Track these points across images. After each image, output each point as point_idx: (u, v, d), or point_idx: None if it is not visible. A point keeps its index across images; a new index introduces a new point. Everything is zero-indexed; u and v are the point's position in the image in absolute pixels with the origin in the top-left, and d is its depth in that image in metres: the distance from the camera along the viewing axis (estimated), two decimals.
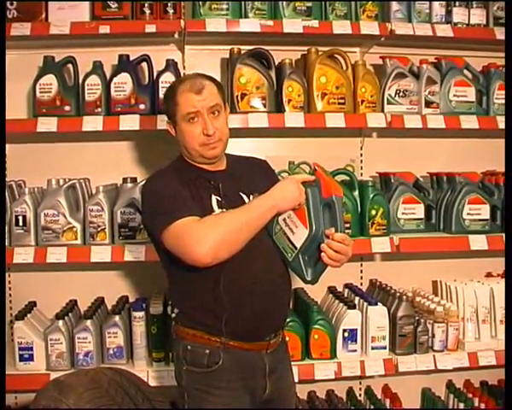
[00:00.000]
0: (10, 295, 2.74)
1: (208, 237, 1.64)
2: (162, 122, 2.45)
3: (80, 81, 2.52)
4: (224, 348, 1.79)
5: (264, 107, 2.51)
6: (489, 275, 2.92)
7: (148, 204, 1.84)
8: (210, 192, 1.82)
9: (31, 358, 2.41)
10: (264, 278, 1.79)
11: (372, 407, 2.81)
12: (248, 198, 1.86)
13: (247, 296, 1.78)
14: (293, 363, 2.08)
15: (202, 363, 1.80)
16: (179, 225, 1.68)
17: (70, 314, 2.50)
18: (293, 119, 2.49)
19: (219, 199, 1.81)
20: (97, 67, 2.53)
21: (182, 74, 2.63)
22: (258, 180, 1.93)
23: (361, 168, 2.90)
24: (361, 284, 2.92)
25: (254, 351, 1.83)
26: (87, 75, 2.52)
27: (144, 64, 2.59)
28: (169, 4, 2.51)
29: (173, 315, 1.89)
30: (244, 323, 1.79)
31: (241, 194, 1.86)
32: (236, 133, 2.14)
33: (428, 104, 2.65)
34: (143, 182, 2.12)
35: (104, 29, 2.42)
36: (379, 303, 2.55)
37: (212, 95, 1.83)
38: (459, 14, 2.67)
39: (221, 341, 1.79)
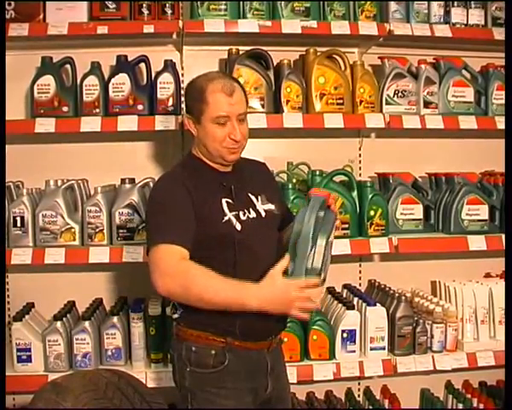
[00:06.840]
0: (8, 296, 2.74)
1: (171, 284, 1.66)
2: (160, 123, 2.45)
3: (78, 82, 2.52)
4: (229, 349, 1.79)
5: (263, 107, 2.51)
6: (488, 275, 2.92)
7: (148, 210, 1.87)
8: (221, 196, 1.82)
9: (29, 359, 2.41)
10: None
11: (371, 407, 2.81)
12: (256, 199, 1.87)
13: None
14: (291, 364, 2.08)
15: (208, 364, 1.79)
16: (159, 250, 1.69)
17: (68, 315, 2.49)
18: (292, 119, 2.49)
19: (231, 202, 1.82)
20: (95, 68, 2.53)
21: (180, 75, 2.63)
22: (262, 182, 1.95)
23: (359, 169, 2.89)
24: (360, 285, 2.91)
25: (257, 350, 1.84)
26: (85, 76, 2.51)
27: (142, 65, 2.59)
28: (167, 5, 2.51)
29: (175, 316, 1.87)
30: (255, 322, 1.77)
31: (250, 195, 1.88)
32: None
33: (427, 104, 2.65)
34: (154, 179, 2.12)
35: (102, 30, 2.42)
36: (378, 304, 2.55)
37: (242, 102, 1.82)
38: (457, 15, 2.67)
39: (226, 341, 1.79)
